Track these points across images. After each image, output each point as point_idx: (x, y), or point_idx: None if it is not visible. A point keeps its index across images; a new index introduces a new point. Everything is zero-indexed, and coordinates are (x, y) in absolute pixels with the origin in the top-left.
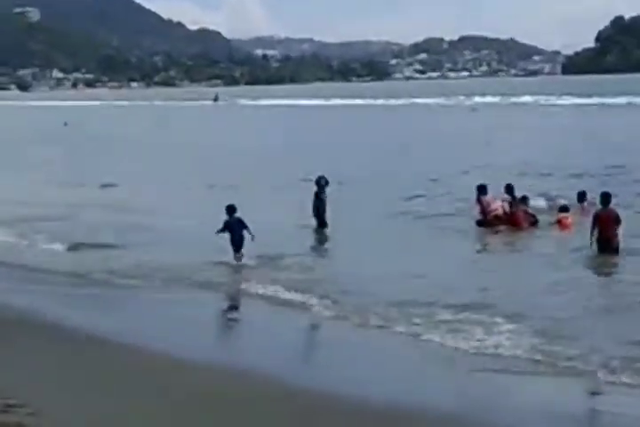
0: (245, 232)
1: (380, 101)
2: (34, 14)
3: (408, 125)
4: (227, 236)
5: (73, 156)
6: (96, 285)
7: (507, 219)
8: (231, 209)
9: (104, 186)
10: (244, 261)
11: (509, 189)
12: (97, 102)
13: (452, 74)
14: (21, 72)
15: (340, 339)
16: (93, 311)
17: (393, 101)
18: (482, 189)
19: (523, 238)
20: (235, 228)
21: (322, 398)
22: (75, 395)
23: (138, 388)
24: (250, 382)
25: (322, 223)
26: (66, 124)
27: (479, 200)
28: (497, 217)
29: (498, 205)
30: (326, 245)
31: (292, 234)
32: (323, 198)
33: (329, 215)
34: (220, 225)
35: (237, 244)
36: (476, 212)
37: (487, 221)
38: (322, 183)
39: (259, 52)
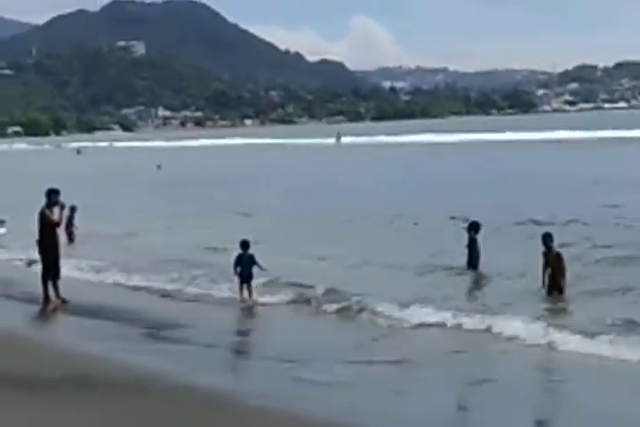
0: (256, 267)
1: (525, 135)
2: (138, 48)
3: (562, 164)
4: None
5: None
6: None
7: None
8: (244, 244)
9: None
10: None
11: None
12: (203, 142)
13: (607, 105)
14: (125, 111)
15: None
16: None
17: (540, 135)
18: None
19: None
20: (245, 263)
21: None
22: None
23: None
24: None
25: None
26: (159, 167)
27: None
28: None
29: None
30: None
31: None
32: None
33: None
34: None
35: (245, 278)
36: None
37: None
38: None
39: (386, 84)
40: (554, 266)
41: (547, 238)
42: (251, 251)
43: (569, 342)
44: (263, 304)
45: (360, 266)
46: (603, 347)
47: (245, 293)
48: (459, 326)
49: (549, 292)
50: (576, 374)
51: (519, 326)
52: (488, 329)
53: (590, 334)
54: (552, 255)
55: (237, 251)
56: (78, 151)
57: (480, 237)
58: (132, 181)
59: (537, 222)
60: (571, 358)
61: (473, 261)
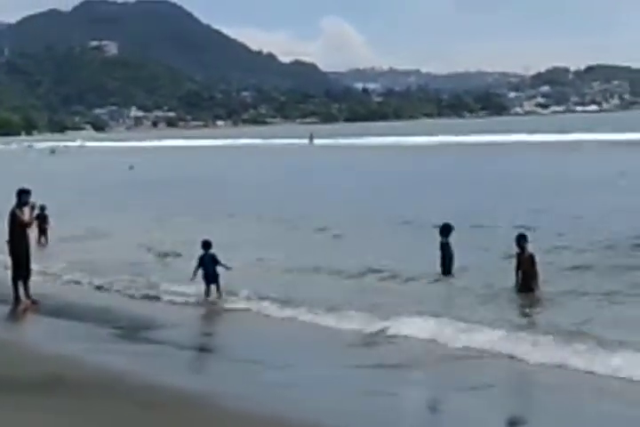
0: (220, 267)
1: (497, 138)
2: (110, 48)
3: (535, 169)
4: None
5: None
6: None
7: None
8: (206, 244)
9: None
10: (217, 296)
11: None
12: (175, 142)
13: (579, 108)
14: (97, 111)
15: None
16: None
17: (510, 137)
18: None
19: None
20: (207, 263)
21: None
22: None
23: None
24: None
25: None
26: (131, 167)
27: None
28: None
29: None
30: None
31: None
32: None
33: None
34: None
35: (210, 279)
36: None
37: None
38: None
39: (358, 85)
40: (526, 268)
41: (521, 239)
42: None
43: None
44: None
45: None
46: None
47: (214, 294)
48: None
49: (519, 291)
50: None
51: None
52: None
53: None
54: (525, 257)
55: (199, 251)
56: (52, 151)
57: (452, 240)
58: (105, 181)
59: (483, 226)
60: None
61: (446, 265)
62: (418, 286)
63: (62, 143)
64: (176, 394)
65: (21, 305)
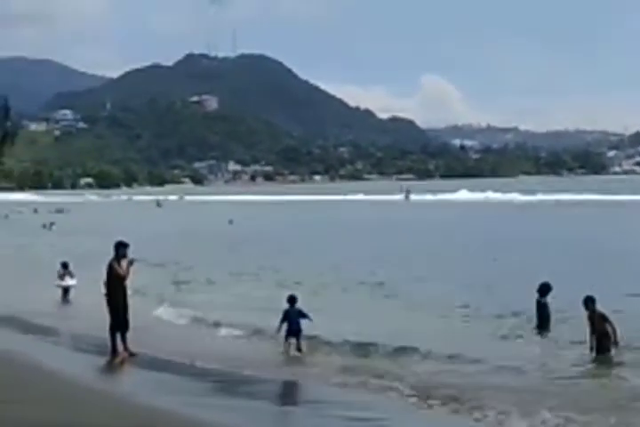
0: (305, 320)
1: (596, 197)
2: (211, 103)
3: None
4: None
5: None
6: None
7: None
8: (292, 300)
9: None
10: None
11: None
12: (273, 197)
13: None
14: (197, 165)
15: None
16: None
17: (613, 197)
18: None
19: None
20: (292, 318)
21: None
22: None
23: None
24: None
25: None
26: (231, 222)
27: None
28: None
29: None
30: None
31: None
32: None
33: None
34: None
35: (294, 333)
36: None
37: None
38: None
39: (456, 142)
40: (599, 328)
41: (588, 302)
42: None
43: None
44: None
45: None
46: None
47: (293, 348)
48: None
49: (597, 352)
50: None
51: None
52: None
53: None
54: (597, 317)
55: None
56: (158, 204)
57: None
58: (206, 234)
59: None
60: None
61: (543, 324)
62: None
63: (162, 196)
64: None
65: (119, 357)
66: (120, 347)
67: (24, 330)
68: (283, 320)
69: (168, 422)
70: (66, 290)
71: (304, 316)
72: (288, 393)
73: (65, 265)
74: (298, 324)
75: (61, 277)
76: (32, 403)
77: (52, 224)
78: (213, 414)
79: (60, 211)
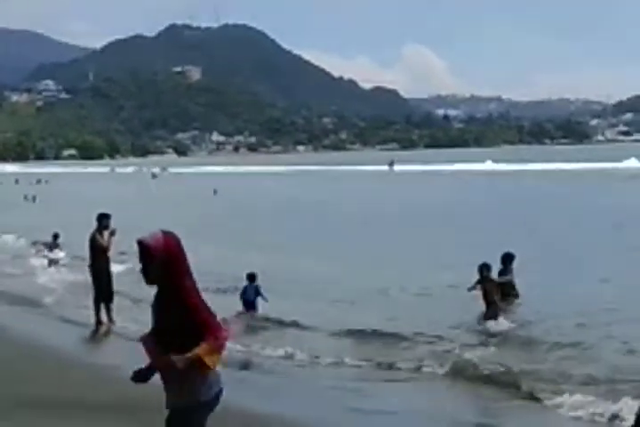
0: (260, 299)
1: (578, 166)
2: (194, 73)
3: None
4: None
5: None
6: None
7: None
8: (251, 277)
9: None
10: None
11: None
12: (257, 168)
13: None
14: (180, 135)
15: None
16: None
17: (595, 165)
18: None
19: None
20: (248, 294)
21: None
22: None
23: None
24: None
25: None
26: (215, 192)
27: None
28: None
29: None
30: None
31: None
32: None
33: None
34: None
35: (250, 308)
36: None
37: None
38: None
39: (439, 112)
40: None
41: (484, 268)
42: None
43: None
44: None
45: None
46: None
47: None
48: None
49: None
50: None
51: None
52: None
53: None
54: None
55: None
56: (153, 175)
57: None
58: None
59: None
60: None
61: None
62: None
63: (145, 168)
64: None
65: (103, 328)
66: (104, 318)
67: (10, 302)
68: (241, 296)
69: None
70: (52, 262)
71: (259, 294)
72: None
73: (55, 236)
74: (254, 301)
75: (50, 248)
76: (16, 379)
77: (34, 197)
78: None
79: (38, 181)
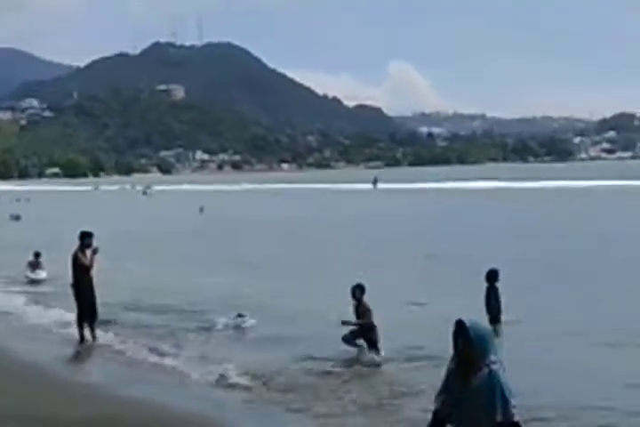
0: None
1: (564, 183)
2: (178, 92)
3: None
4: None
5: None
6: None
7: None
8: None
9: None
10: None
11: None
12: (241, 186)
13: None
14: (164, 153)
15: None
16: None
17: (578, 184)
18: None
19: None
20: None
21: None
22: None
23: None
24: None
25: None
26: (202, 209)
27: None
28: None
29: None
30: None
31: None
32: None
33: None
34: None
35: None
36: None
37: None
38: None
39: (423, 129)
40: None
41: (357, 290)
42: None
43: None
44: None
45: None
46: None
47: None
48: None
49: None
50: None
51: None
52: None
53: None
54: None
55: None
56: (144, 192)
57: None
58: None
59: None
60: None
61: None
62: None
63: (128, 186)
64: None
65: (86, 344)
66: (88, 336)
67: None
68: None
69: (138, 412)
70: (33, 282)
71: None
72: None
73: (37, 255)
74: None
75: (32, 266)
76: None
77: (18, 216)
78: (188, 404)
79: (18, 200)
